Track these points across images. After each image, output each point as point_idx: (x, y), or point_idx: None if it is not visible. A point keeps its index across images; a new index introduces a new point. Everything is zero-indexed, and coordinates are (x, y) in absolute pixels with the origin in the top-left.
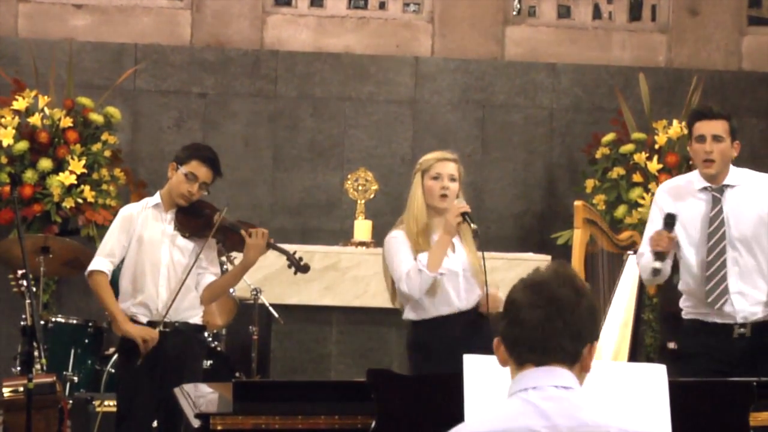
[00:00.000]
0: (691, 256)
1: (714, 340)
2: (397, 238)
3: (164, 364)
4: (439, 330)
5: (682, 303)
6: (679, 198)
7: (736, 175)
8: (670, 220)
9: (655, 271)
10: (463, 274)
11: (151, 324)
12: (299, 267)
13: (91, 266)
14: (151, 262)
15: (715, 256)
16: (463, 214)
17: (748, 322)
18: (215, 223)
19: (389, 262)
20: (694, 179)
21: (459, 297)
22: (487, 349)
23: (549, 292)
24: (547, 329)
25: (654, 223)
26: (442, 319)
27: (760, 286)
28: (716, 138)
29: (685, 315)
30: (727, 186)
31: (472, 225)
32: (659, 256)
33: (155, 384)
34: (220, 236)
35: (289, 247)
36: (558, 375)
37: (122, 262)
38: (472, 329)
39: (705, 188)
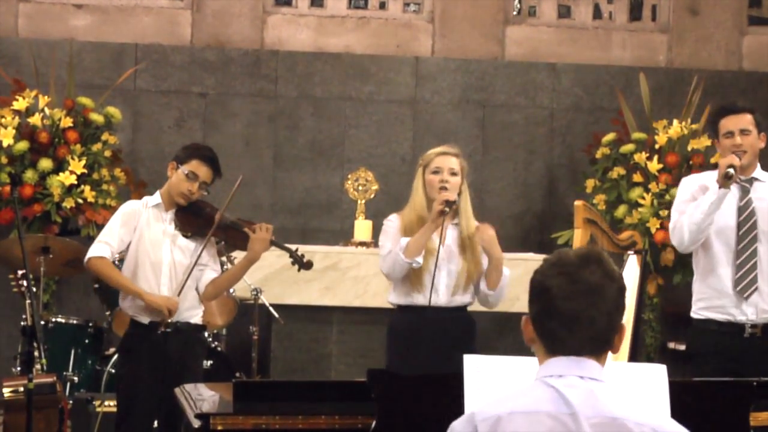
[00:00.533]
0: (718, 245)
1: (725, 340)
2: (391, 221)
3: (166, 365)
4: (416, 320)
5: (695, 302)
6: (709, 186)
7: (761, 171)
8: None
9: (729, 175)
10: (447, 271)
11: (153, 324)
12: (302, 264)
13: (90, 253)
14: (152, 262)
15: (746, 245)
16: (447, 203)
17: (760, 323)
18: (216, 221)
19: (380, 241)
20: (712, 173)
21: (438, 292)
22: (467, 352)
23: (585, 282)
24: (584, 321)
25: (684, 197)
26: (420, 310)
27: None
28: (744, 131)
29: (695, 315)
30: (756, 179)
31: (446, 210)
32: (733, 168)
33: (157, 384)
34: (221, 235)
35: (290, 247)
36: (585, 365)
37: (121, 261)
38: (454, 329)
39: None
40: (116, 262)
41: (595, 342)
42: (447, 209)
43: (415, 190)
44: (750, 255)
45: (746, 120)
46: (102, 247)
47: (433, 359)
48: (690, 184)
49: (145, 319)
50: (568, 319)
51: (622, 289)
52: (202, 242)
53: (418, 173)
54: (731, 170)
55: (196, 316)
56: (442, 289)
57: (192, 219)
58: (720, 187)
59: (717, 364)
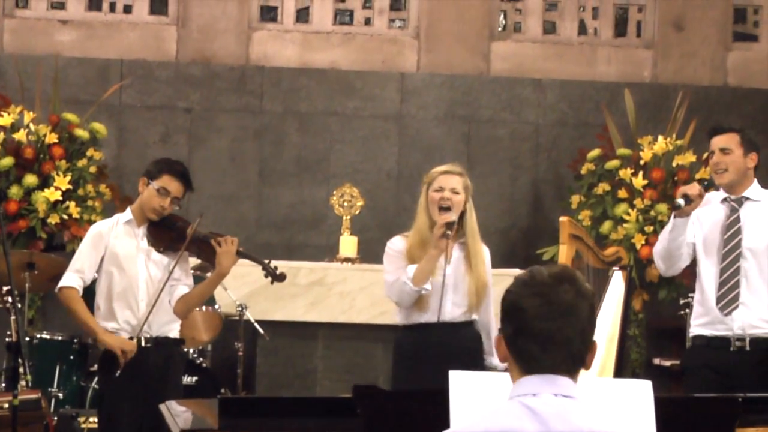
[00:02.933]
0: (706, 263)
1: (714, 354)
2: (393, 245)
3: (147, 379)
4: (420, 337)
5: (693, 319)
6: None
7: (757, 191)
8: (705, 183)
9: (676, 206)
10: (453, 288)
11: (133, 340)
12: (275, 275)
13: (61, 282)
14: (128, 279)
15: (729, 263)
16: (447, 225)
17: (747, 336)
18: (188, 235)
19: (384, 266)
20: (716, 193)
21: (443, 310)
22: (469, 366)
23: (560, 302)
24: (560, 341)
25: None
26: (423, 327)
27: (764, 302)
28: (723, 150)
29: (691, 332)
30: (747, 198)
31: (448, 233)
32: (686, 198)
33: (138, 399)
34: (194, 249)
35: (276, 263)
36: (559, 383)
37: (95, 281)
38: (461, 344)
39: (725, 199)
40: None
41: (570, 360)
42: (449, 231)
43: (420, 209)
44: (733, 273)
45: (729, 139)
46: (72, 277)
47: (440, 374)
48: None
49: (124, 335)
50: (544, 339)
51: (593, 306)
52: (174, 257)
53: (423, 192)
54: (680, 201)
55: (173, 330)
56: (449, 307)
57: (164, 234)
58: (676, 215)
59: (706, 377)
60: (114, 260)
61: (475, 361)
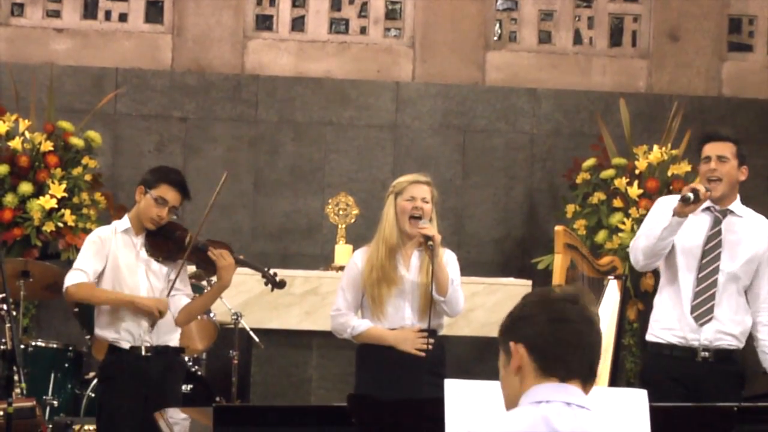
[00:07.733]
0: (683, 270)
1: (678, 365)
2: (357, 260)
3: (146, 388)
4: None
5: (652, 322)
6: None
7: (740, 206)
8: (707, 188)
9: (686, 198)
10: (413, 296)
11: (134, 349)
12: (275, 282)
13: (67, 282)
14: (129, 289)
15: (707, 274)
16: (425, 237)
17: (712, 347)
18: (187, 245)
19: (342, 276)
20: None
21: (405, 316)
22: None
23: (584, 311)
24: (588, 349)
25: (654, 216)
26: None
27: (734, 319)
28: (720, 158)
29: (651, 337)
30: (731, 212)
31: (429, 242)
32: (695, 193)
33: (138, 409)
34: (193, 258)
35: (273, 271)
36: (572, 392)
37: None
38: (423, 352)
39: (709, 208)
40: None
41: (591, 368)
42: (428, 244)
43: (385, 217)
44: (709, 285)
45: (726, 147)
46: (78, 274)
47: (403, 381)
48: (663, 204)
49: (125, 344)
50: (576, 346)
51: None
52: (173, 266)
53: (389, 200)
54: (690, 195)
55: (173, 340)
56: (409, 314)
57: (162, 243)
58: (675, 214)
59: (669, 389)
60: (115, 270)
61: (437, 369)
